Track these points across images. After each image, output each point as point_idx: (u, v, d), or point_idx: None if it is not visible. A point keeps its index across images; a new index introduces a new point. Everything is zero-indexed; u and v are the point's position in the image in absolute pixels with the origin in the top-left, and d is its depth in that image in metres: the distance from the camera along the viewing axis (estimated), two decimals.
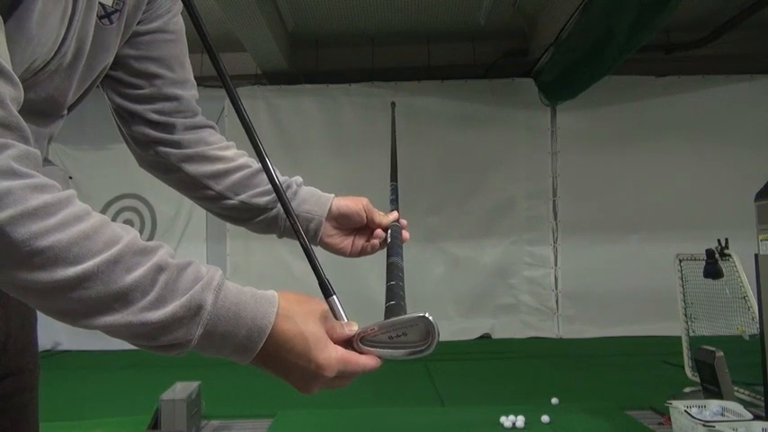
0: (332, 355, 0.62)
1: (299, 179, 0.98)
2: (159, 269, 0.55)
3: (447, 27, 5.37)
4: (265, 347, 0.59)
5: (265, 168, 0.80)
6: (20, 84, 0.55)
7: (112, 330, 0.55)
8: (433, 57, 5.66)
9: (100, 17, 0.73)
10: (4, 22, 0.55)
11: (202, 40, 0.77)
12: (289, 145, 5.29)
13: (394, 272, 0.79)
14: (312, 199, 0.96)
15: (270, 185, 0.93)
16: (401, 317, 0.63)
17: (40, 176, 0.52)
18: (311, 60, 5.68)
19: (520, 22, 5.21)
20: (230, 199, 0.93)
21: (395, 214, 1.00)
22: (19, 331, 0.82)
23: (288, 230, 0.97)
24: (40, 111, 0.69)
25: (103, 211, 5.71)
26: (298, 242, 0.98)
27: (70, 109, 0.79)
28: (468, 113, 5.46)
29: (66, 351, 5.04)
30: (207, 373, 3.06)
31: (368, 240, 0.99)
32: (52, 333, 5.02)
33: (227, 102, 5.13)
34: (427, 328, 0.62)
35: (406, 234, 0.96)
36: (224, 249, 5.41)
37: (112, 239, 0.54)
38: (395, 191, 1.09)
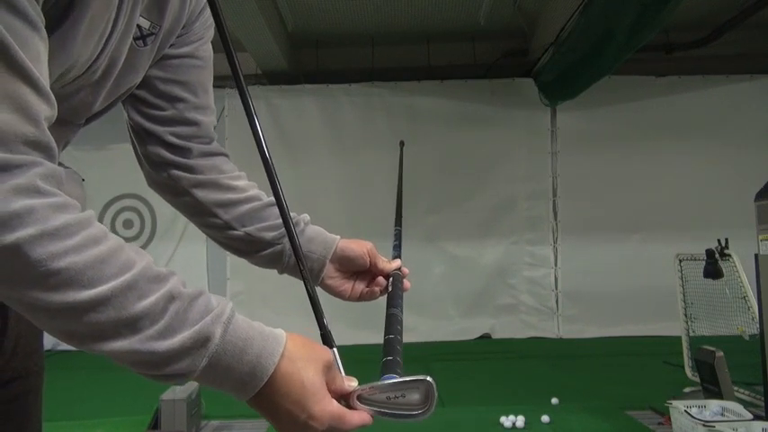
0: (326, 408, 0.61)
1: (306, 217, 0.97)
2: (171, 298, 0.55)
3: (447, 27, 5.36)
4: (263, 388, 0.59)
5: (278, 202, 0.78)
6: (56, 104, 0.55)
7: (117, 356, 0.55)
8: (433, 57, 5.66)
9: (135, 39, 0.74)
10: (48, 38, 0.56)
11: (223, 42, 0.76)
12: (289, 145, 5.28)
13: (393, 324, 0.77)
14: (318, 239, 0.95)
15: (277, 221, 0.92)
16: (403, 379, 0.62)
17: (62, 195, 0.52)
18: (311, 60, 5.68)
19: (520, 22, 5.21)
20: (236, 230, 0.93)
21: (397, 262, 0.98)
22: (28, 334, 0.82)
23: (291, 268, 0.96)
24: (60, 119, 0.69)
25: (103, 212, 5.72)
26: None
27: (89, 120, 0.79)
28: (468, 113, 5.46)
29: (66, 351, 5.03)
30: None
31: (368, 286, 0.97)
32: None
33: (227, 102, 5.17)
34: (427, 392, 0.61)
35: (407, 283, 0.94)
36: (224, 250, 5.40)
37: (127, 264, 0.54)
38: (398, 236, 1.06)
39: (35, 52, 0.52)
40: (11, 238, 0.48)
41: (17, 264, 0.49)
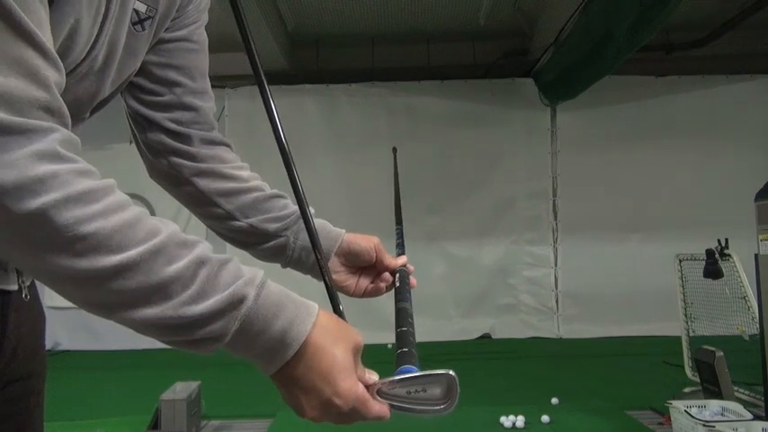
0: (353, 387, 0.59)
1: (311, 210, 0.95)
2: (200, 263, 0.54)
3: (447, 27, 5.36)
4: (292, 359, 0.58)
5: (295, 189, 0.77)
6: (63, 69, 0.54)
7: (148, 324, 0.53)
8: (433, 57, 5.66)
9: (133, 23, 0.74)
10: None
11: (244, 41, 0.76)
12: (289, 145, 5.27)
13: (404, 318, 0.76)
14: (323, 232, 0.92)
15: (281, 212, 0.91)
16: (424, 373, 0.60)
17: (83, 162, 0.51)
18: (311, 60, 5.68)
19: (520, 22, 5.21)
20: (238, 220, 0.91)
21: (404, 258, 0.96)
22: (29, 336, 0.81)
23: (294, 262, 0.94)
24: None
25: None
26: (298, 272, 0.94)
27: (92, 113, 0.78)
28: (468, 113, 5.46)
29: (66, 351, 5.04)
30: (207, 373, 3.06)
31: (373, 282, 0.96)
32: (52, 333, 5.02)
33: (228, 102, 5.17)
34: (449, 386, 0.59)
35: (413, 280, 0.92)
36: (223, 250, 5.36)
37: (154, 230, 0.53)
38: (400, 235, 1.05)
39: (38, 17, 0.51)
40: (36, 203, 0.47)
41: (43, 230, 0.48)
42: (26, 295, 0.79)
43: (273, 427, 2.84)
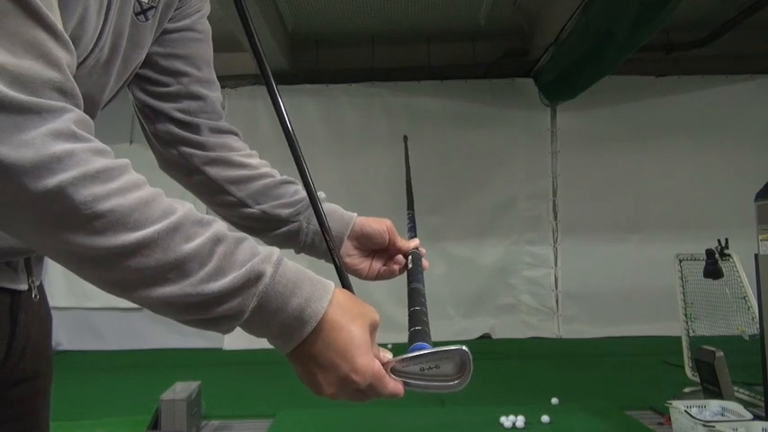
0: (370, 363, 0.59)
1: (321, 194, 0.94)
2: (217, 240, 0.55)
3: (447, 27, 5.36)
4: (309, 335, 0.58)
5: (301, 173, 0.77)
6: (74, 51, 0.54)
7: (165, 302, 0.53)
8: (433, 57, 5.66)
9: (136, 14, 0.74)
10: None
11: (248, 37, 0.76)
12: (288, 144, 5.27)
13: (417, 297, 0.76)
14: (335, 215, 0.93)
15: (293, 198, 0.92)
16: (437, 349, 0.60)
17: (98, 141, 0.52)
18: (311, 60, 5.68)
19: (520, 22, 5.21)
20: (250, 207, 0.92)
21: (416, 241, 0.97)
22: (37, 336, 0.81)
23: (308, 247, 0.94)
24: None
25: None
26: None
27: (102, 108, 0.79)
28: (468, 113, 5.46)
29: (66, 351, 5.04)
30: (207, 373, 3.06)
31: (385, 264, 0.96)
32: (53, 333, 5.02)
33: (228, 102, 5.16)
34: (463, 362, 0.60)
35: (425, 263, 0.92)
36: None
37: (170, 208, 0.53)
38: (412, 219, 1.06)
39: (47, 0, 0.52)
40: (53, 181, 0.47)
41: (61, 208, 0.48)
42: (35, 295, 0.80)
43: (273, 427, 2.84)
